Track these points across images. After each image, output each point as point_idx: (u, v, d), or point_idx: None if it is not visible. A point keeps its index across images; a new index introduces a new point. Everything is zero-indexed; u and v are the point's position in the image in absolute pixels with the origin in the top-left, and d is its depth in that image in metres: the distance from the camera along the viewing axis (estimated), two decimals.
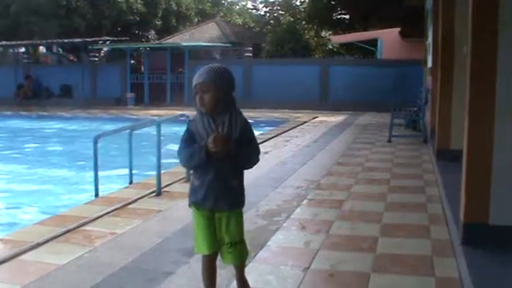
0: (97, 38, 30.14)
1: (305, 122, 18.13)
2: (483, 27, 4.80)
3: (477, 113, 4.84)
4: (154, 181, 7.72)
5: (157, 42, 34.44)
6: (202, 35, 32.18)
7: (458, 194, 5.18)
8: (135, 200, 7.18)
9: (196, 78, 3.60)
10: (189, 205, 3.80)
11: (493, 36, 4.73)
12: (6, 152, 15.82)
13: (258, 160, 3.78)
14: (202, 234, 3.74)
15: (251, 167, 3.77)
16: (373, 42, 29.96)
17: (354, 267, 4.76)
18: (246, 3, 50.32)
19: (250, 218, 6.29)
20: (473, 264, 4.33)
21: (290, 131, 15.50)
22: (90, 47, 29.55)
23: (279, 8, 41.58)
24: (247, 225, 5.90)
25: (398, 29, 26.62)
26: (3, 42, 32.15)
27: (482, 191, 4.81)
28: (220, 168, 3.62)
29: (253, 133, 3.75)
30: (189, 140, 3.66)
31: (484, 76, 4.78)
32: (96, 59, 30.75)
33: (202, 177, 3.68)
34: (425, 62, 17.63)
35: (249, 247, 5.16)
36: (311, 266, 4.79)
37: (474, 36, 4.85)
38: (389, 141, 12.98)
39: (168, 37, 34.29)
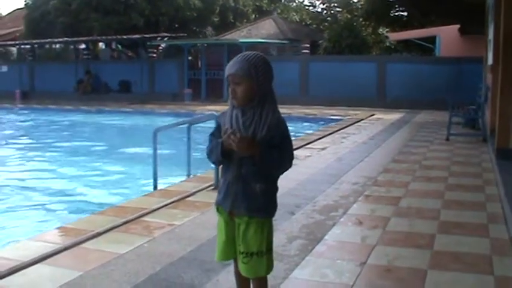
0: (155, 34, 30.50)
1: (362, 120, 18.04)
2: None
3: None
4: (212, 175, 7.81)
5: (214, 38, 34.62)
6: (259, 32, 32.23)
7: None
8: (193, 193, 7.30)
9: (229, 68, 3.22)
10: (215, 205, 3.46)
11: None
12: (66, 144, 16.21)
13: (289, 166, 3.30)
14: (218, 239, 3.47)
15: (280, 173, 3.34)
16: (431, 39, 29.58)
17: (410, 264, 4.75)
18: (303, 0, 50.32)
19: (307, 213, 6.36)
20: None
21: (347, 128, 15.46)
22: (148, 43, 29.93)
23: (336, 4, 41.41)
24: (304, 220, 6.01)
25: (457, 26, 26.26)
26: (65, 39, 32.90)
27: None
28: (241, 168, 3.24)
29: (287, 135, 3.27)
30: (216, 134, 3.33)
31: None
32: (154, 55, 31.10)
33: (225, 176, 3.34)
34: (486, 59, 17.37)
35: (306, 241, 5.27)
36: (368, 261, 4.80)
37: None
38: (448, 139, 12.82)
39: (226, 33, 34.42)
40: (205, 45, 29.51)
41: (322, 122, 18.29)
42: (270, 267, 3.41)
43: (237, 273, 3.52)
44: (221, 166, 3.42)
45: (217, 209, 3.44)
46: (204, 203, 6.76)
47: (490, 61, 13.35)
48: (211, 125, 7.64)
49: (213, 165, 7.63)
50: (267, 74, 3.25)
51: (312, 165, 9.42)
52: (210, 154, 3.34)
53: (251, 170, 3.23)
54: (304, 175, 8.48)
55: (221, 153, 3.21)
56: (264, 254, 3.33)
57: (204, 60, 28.36)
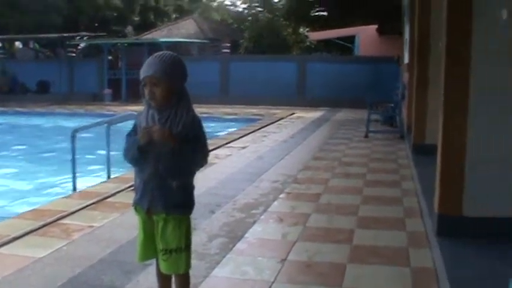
0: (74, 34, 29.96)
1: (282, 118, 18.16)
2: (458, 24, 4.88)
3: (452, 107, 4.92)
4: (132, 175, 7.70)
5: (134, 38, 34.28)
6: (180, 31, 32.11)
7: (433, 187, 5.26)
8: (113, 194, 7.18)
9: (145, 70, 3.24)
10: (132, 206, 3.49)
11: (467, 33, 4.81)
12: None
13: (205, 162, 3.38)
14: (138, 239, 3.49)
15: (196, 169, 3.40)
16: (351, 38, 30.11)
17: (330, 258, 4.82)
18: (224, 0, 50.40)
19: (228, 211, 6.36)
20: (447, 255, 4.41)
21: (268, 127, 15.53)
22: (67, 42, 29.35)
23: (257, 4, 41.60)
24: (224, 218, 6.00)
25: (376, 26, 26.80)
26: None
27: (456, 183, 4.90)
28: (157, 166, 3.25)
29: (202, 131, 3.33)
30: (133, 134, 3.34)
31: (458, 72, 4.85)
32: (73, 54, 30.51)
33: (141, 174, 3.35)
34: (398, 59, 17.84)
35: (226, 239, 5.27)
36: (288, 257, 4.84)
37: (449, 33, 4.93)
38: (366, 136, 13.08)
39: (146, 33, 34.15)
40: (126, 44, 29.14)
41: (243, 121, 18.32)
42: (189, 263, 3.45)
43: (159, 273, 3.53)
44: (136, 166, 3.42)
45: (135, 209, 3.45)
46: (124, 203, 6.64)
47: (406, 60, 13.69)
48: (130, 125, 7.54)
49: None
50: (182, 73, 3.31)
51: (232, 164, 9.44)
52: (126, 152, 3.34)
53: (167, 167, 3.25)
54: (224, 174, 8.49)
55: (138, 149, 3.21)
56: (183, 250, 3.37)
57: (124, 60, 28.00)
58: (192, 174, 3.42)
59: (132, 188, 7.23)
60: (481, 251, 4.60)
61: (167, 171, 3.26)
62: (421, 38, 9.40)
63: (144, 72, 3.25)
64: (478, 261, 4.41)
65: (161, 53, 3.31)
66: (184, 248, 3.38)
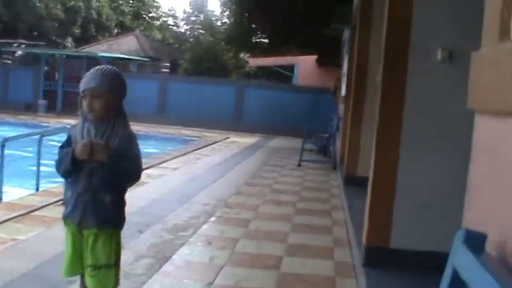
0: (11, 40, 29.38)
1: (217, 142, 18.16)
2: (394, 60, 5.00)
3: (384, 139, 5.01)
4: (62, 189, 7.58)
5: (74, 50, 33.85)
6: (120, 47, 31.91)
7: (362, 218, 5.34)
8: (41, 207, 7.03)
9: (87, 82, 3.19)
10: (62, 219, 3.39)
11: (402, 66, 4.93)
12: None
13: (137, 179, 3.35)
14: (65, 254, 3.38)
15: (129, 184, 3.38)
16: (291, 68, 30.45)
17: (258, 284, 4.82)
18: (168, 20, 50.30)
19: (156, 231, 6.30)
20: (372, 285, 4.47)
21: (202, 149, 15.51)
22: (3, 49, 28.76)
23: (199, 26, 41.76)
24: (152, 239, 5.94)
25: (315, 56, 27.18)
26: None
27: (385, 216, 4.98)
28: (91, 179, 3.21)
29: (137, 147, 3.32)
30: (67, 146, 3.27)
31: (393, 104, 4.95)
32: (9, 61, 29.89)
33: (73, 187, 3.28)
34: (335, 90, 18.11)
35: (153, 260, 5.21)
36: (215, 281, 4.81)
37: (385, 66, 5.03)
38: (300, 165, 13.19)
39: (86, 46, 33.80)
40: (64, 56, 28.75)
41: (178, 142, 18.26)
42: (118, 280, 3.38)
43: None
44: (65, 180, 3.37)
45: (65, 222, 3.36)
46: (52, 218, 6.51)
47: (343, 93, 13.90)
48: (64, 137, 7.41)
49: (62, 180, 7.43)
50: (123, 89, 3.32)
51: (164, 185, 9.37)
52: (59, 165, 3.27)
53: (101, 181, 3.21)
54: (155, 194, 8.42)
55: (71, 161, 3.15)
56: (112, 266, 3.32)
57: (61, 71, 27.59)
58: (124, 189, 3.38)
59: (61, 202, 7.14)
60: (404, 281, 4.68)
61: (100, 185, 3.22)
62: (358, 72, 9.55)
63: (85, 84, 3.20)
64: None
65: (103, 66, 3.30)
66: (114, 264, 3.33)
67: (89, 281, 3.31)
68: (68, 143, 3.31)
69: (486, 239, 1.54)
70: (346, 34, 14.68)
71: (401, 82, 4.91)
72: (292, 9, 14.89)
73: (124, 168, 3.23)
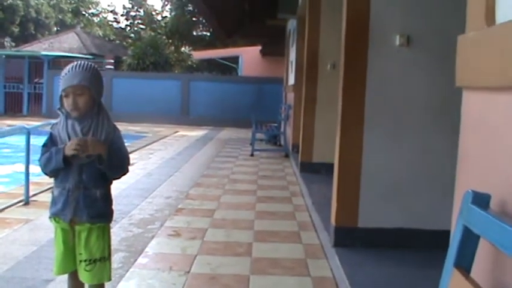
0: None
1: (167, 136, 18.17)
2: (355, 47, 5.16)
3: (348, 122, 5.18)
4: (20, 191, 7.54)
5: (14, 49, 33.20)
6: (62, 45, 31.42)
7: (323, 202, 5.52)
8: (2, 210, 6.98)
9: (69, 80, 3.18)
10: (50, 217, 3.38)
11: (363, 53, 5.10)
12: None
13: (127, 170, 3.44)
14: (56, 252, 3.38)
15: (118, 177, 3.42)
16: (235, 59, 30.55)
17: (233, 271, 4.93)
18: (107, 16, 49.79)
19: (124, 226, 6.35)
20: (346, 264, 4.64)
21: (153, 144, 15.50)
22: None
23: (140, 21, 41.44)
24: (122, 233, 5.99)
25: (259, 47, 27.36)
26: None
27: (352, 197, 5.16)
28: (81, 175, 3.23)
29: (122, 140, 3.38)
30: (50, 145, 3.27)
31: (355, 89, 5.13)
32: None
33: (62, 185, 3.27)
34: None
35: (127, 253, 5.28)
36: (191, 269, 4.91)
37: (347, 53, 5.19)
38: (252, 155, 13.33)
39: (26, 45, 33.17)
40: (4, 56, 28.19)
41: (127, 138, 18.14)
42: (111, 272, 3.44)
43: (74, 286, 3.46)
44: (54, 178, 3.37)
45: (54, 220, 3.35)
46: (16, 219, 6.48)
47: (291, 81, 14.07)
48: (19, 138, 7.34)
49: (20, 182, 7.40)
50: (102, 82, 3.37)
51: (122, 180, 9.25)
52: (47, 163, 3.25)
53: (91, 176, 3.25)
54: (116, 190, 8.32)
55: (63, 159, 3.17)
56: (107, 259, 3.39)
57: (1, 72, 27.06)
58: (111, 183, 3.43)
59: (22, 203, 7.12)
60: (376, 258, 4.87)
61: (91, 181, 3.26)
62: (310, 60, 9.70)
63: (66, 82, 3.19)
64: (374, 268, 4.68)
65: (80, 62, 3.29)
66: (107, 256, 3.40)
67: (84, 275, 3.33)
68: (51, 141, 3.30)
69: (490, 198, 1.70)
70: (292, 24, 14.85)
71: (361, 68, 5.08)
72: (238, 0, 14.99)
73: (118, 160, 3.30)
